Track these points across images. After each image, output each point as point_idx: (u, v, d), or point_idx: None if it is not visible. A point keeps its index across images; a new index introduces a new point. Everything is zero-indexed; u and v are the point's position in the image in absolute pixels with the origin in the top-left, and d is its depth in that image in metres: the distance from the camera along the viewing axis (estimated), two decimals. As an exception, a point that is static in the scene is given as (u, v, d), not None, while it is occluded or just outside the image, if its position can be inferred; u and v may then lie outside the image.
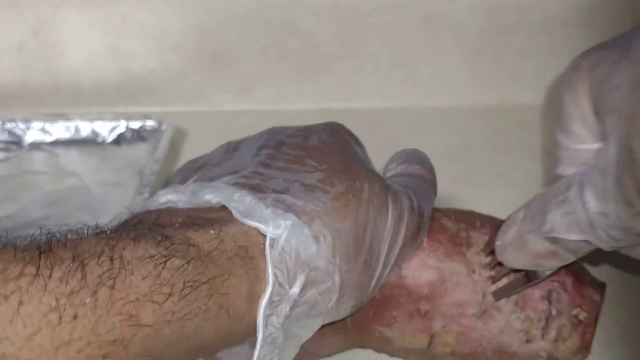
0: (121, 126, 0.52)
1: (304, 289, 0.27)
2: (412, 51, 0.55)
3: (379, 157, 0.51)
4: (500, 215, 0.34)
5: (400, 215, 0.30)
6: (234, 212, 0.27)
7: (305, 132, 0.33)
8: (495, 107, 0.57)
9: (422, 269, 0.32)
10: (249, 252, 0.26)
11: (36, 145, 0.52)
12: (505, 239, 0.31)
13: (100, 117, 0.52)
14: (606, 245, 0.28)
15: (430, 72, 0.56)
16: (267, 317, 0.26)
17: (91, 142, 0.52)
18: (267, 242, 0.26)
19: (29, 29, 0.54)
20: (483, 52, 0.55)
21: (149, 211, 0.28)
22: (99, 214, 0.45)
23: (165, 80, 0.56)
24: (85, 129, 0.52)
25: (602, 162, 0.26)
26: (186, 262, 0.24)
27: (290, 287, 0.26)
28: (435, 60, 0.56)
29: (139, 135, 0.52)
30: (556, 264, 0.30)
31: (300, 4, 0.53)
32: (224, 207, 0.27)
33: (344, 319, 0.32)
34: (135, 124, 0.52)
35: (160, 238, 0.24)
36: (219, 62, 0.56)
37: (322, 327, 0.30)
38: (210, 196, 0.28)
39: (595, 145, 0.29)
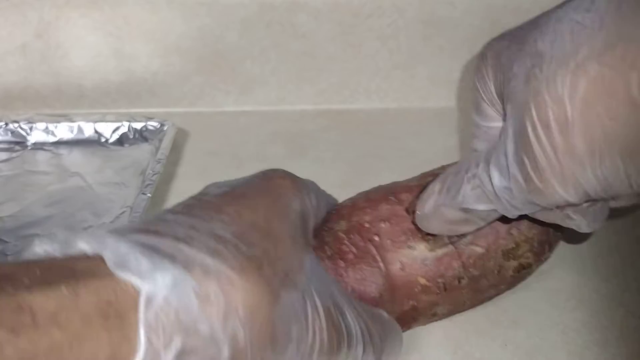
0: (124, 127, 0.52)
1: (180, 358, 0.22)
2: (411, 52, 0.56)
3: (378, 158, 0.52)
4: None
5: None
6: (107, 261, 0.23)
7: (237, 180, 0.30)
8: (493, 108, 0.57)
9: None
10: (117, 308, 0.22)
11: (39, 146, 0.52)
12: (423, 210, 0.33)
13: (103, 117, 0.53)
14: (511, 214, 0.30)
15: (429, 73, 0.57)
16: None
17: (94, 143, 0.52)
18: (142, 300, 0.22)
19: (32, 31, 0.54)
20: (482, 53, 0.56)
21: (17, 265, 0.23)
22: (102, 214, 0.45)
23: (167, 81, 0.57)
24: (88, 129, 0.53)
25: (503, 143, 0.29)
26: (13, 334, 0.19)
27: (165, 354, 0.22)
28: (434, 62, 0.56)
29: (142, 136, 0.52)
30: (469, 229, 0.33)
31: (301, 6, 0.54)
32: (101, 257, 0.23)
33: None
34: (138, 125, 0.52)
35: None
36: (221, 63, 0.56)
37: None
38: (83, 243, 0.23)
39: (501, 124, 0.31)
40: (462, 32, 0.55)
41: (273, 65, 0.56)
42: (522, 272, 0.36)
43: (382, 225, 0.34)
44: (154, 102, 0.57)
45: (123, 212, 0.45)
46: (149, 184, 0.45)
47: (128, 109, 0.57)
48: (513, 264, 0.35)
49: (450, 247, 0.34)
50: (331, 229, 0.34)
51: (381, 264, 0.33)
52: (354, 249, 0.33)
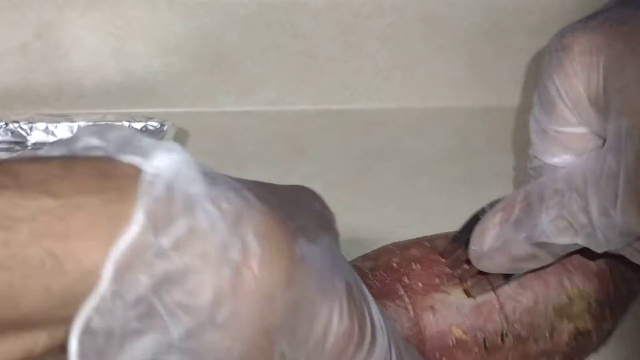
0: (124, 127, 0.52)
1: (179, 245, 0.18)
2: (411, 52, 0.56)
3: (378, 158, 0.52)
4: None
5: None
6: (108, 146, 0.20)
7: None
8: (494, 108, 0.57)
9: None
10: (115, 182, 0.18)
11: (40, 146, 0.52)
12: (483, 245, 0.28)
13: (103, 118, 0.53)
14: (598, 248, 0.27)
15: (429, 73, 0.57)
16: (121, 270, 0.17)
17: (94, 143, 0.52)
18: (144, 179, 0.18)
19: (32, 31, 0.54)
20: (482, 53, 0.56)
21: None
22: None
23: (167, 81, 0.57)
24: (88, 129, 0.53)
25: (609, 164, 0.25)
26: None
27: (165, 233, 0.18)
28: (434, 61, 0.56)
29: (142, 136, 0.52)
30: (534, 266, 0.29)
31: (300, 6, 0.54)
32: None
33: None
34: (138, 125, 0.52)
35: None
36: (221, 63, 0.56)
37: None
38: (86, 138, 0.20)
39: (582, 130, 0.28)
40: (462, 32, 0.55)
41: (273, 65, 0.56)
42: (579, 339, 0.31)
43: (413, 266, 0.30)
44: (154, 102, 0.57)
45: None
46: (149, 184, 0.45)
47: (128, 109, 0.56)
48: (569, 326, 0.30)
49: (492, 294, 0.29)
50: (355, 266, 0.30)
51: (409, 306, 0.29)
52: (378, 284, 0.29)
